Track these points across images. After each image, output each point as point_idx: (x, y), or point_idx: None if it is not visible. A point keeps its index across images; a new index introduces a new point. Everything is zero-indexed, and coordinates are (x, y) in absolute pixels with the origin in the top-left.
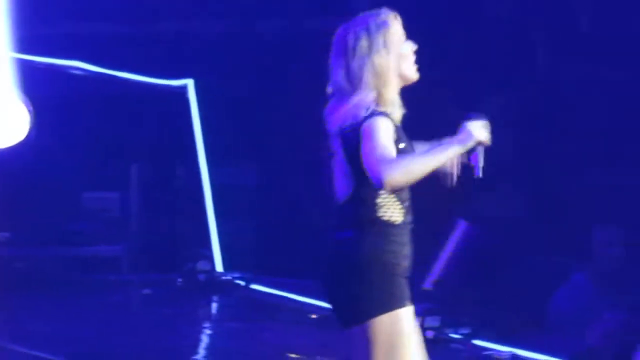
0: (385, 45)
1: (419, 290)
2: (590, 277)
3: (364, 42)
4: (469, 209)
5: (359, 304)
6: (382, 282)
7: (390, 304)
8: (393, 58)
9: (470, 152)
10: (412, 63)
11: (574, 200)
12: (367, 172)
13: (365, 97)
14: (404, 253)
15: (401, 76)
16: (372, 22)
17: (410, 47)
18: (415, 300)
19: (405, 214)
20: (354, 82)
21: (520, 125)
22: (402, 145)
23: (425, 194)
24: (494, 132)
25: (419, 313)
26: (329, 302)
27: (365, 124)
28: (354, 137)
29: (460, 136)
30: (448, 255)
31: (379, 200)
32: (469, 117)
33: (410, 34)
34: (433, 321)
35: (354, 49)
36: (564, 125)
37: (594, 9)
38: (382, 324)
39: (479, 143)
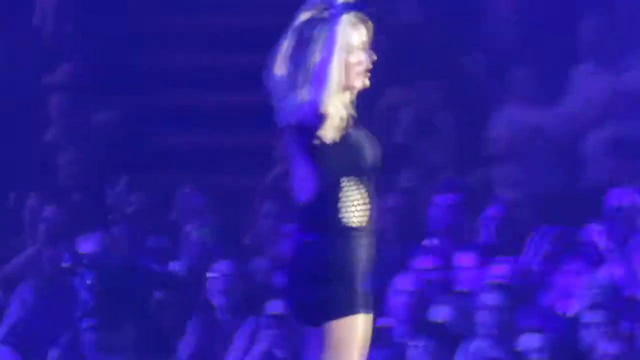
0: (326, 48)
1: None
2: None
3: (312, 38)
4: None
5: (318, 305)
6: (340, 287)
7: (346, 310)
8: (335, 63)
9: None
10: (361, 73)
11: None
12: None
13: (306, 95)
14: (363, 257)
15: (343, 84)
16: (325, 23)
17: (362, 57)
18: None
19: (367, 217)
20: (296, 77)
21: None
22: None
23: None
24: None
25: None
26: (290, 300)
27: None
28: (308, 136)
29: None
30: None
31: (339, 203)
32: None
33: None
34: None
35: (301, 43)
36: None
37: None
38: (335, 328)
39: None
